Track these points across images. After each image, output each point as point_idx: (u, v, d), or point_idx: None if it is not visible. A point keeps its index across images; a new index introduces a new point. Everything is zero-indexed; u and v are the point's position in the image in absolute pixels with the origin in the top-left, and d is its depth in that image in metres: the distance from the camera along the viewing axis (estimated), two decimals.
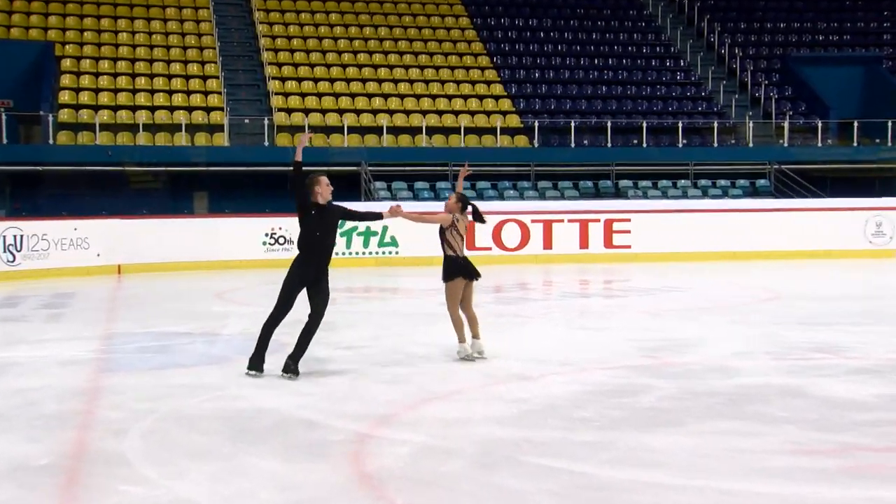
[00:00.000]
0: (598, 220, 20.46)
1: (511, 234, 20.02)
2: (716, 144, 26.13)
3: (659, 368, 7.85)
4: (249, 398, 6.82)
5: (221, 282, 16.46)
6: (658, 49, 31.15)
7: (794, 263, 19.40)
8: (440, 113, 26.37)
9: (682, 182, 24.85)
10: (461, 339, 8.16)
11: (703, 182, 24.96)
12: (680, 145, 25.87)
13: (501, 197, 23.76)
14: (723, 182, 24.99)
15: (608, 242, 20.44)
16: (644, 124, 25.89)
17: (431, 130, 25.45)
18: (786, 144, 26.24)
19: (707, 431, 5.78)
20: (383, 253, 19.40)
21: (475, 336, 8.20)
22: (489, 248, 19.60)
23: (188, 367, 8.18)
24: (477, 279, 8.29)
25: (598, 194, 24.35)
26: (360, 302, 12.21)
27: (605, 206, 21.68)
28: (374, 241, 19.52)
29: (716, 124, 26.36)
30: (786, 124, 26.43)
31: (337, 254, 18.79)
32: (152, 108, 24.68)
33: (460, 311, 8.19)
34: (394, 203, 8.09)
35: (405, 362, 8.19)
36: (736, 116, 27.60)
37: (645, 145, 25.78)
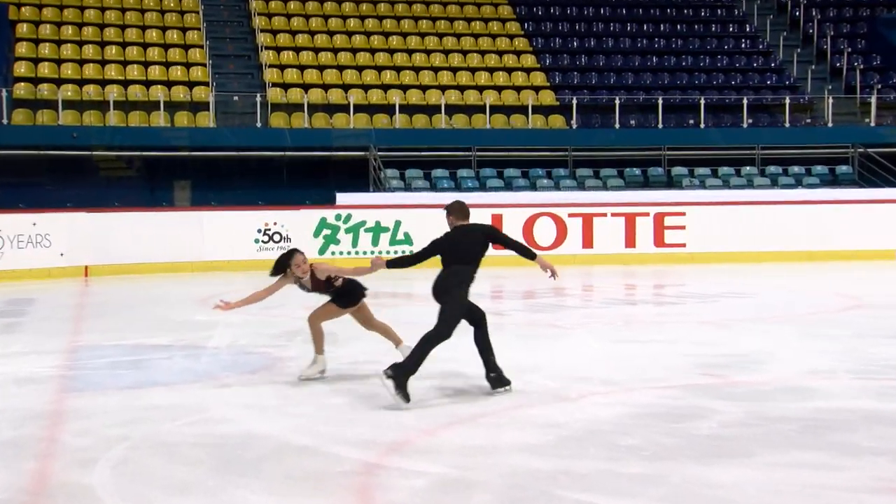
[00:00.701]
0: (647, 214, 20.40)
1: (544, 231, 20.00)
2: (788, 124, 25.99)
3: (721, 388, 7.82)
4: (238, 422, 6.85)
5: (206, 286, 16.52)
6: (719, 12, 31.02)
7: (880, 265, 19.25)
8: (462, 89, 26.38)
9: (747, 169, 24.73)
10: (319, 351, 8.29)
11: (772, 169, 24.83)
12: (745, 125, 25.74)
13: (533, 187, 23.73)
14: (796, 169, 24.85)
15: (659, 240, 20.38)
16: (702, 101, 25.77)
17: (452, 109, 25.47)
18: (872, 124, 26.06)
19: (779, 464, 5.74)
20: (395, 252, 19.42)
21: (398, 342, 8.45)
22: None
23: (167, 385, 8.21)
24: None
25: (647, 184, 24.26)
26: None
27: (656, 198, 21.61)
28: (384, 238, 19.56)
29: (788, 100, 26.22)
30: (872, 99, 26.25)
31: (342, 253, 19.00)
32: (125, 83, 24.83)
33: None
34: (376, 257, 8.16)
35: (421, 380, 8.17)
36: (812, 91, 27.44)
37: (703, 126, 25.67)
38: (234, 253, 19.27)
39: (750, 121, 25.89)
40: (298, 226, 19.46)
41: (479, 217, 17.75)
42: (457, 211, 8.01)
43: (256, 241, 19.43)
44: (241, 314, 13.26)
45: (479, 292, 14.22)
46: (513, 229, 19.63)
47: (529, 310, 13.59)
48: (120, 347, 10.21)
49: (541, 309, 13.74)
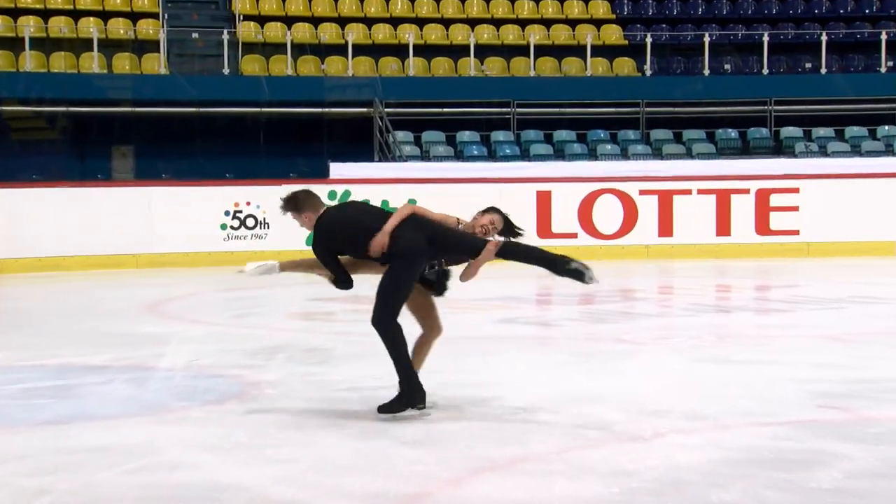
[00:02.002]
0: (746, 191, 20.33)
1: (608, 213, 19.94)
2: None
3: (848, 426, 7.79)
4: (199, 468, 6.86)
5: (156, 288, 16.58)
6: None
7: None
8: (497, 23, 26.34)
9: (884, 129, 24.59)
10: None
11: None
12: (882, 70, 25.56)
13: (593, 154, 23.67)
14: None
15: (762, 226, 20.30)
16: (823, 38, 25.61)
17: (483, 51, 25.43)
18: None
19: None
20: None
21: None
22: (574, 235, 19.52)
23: (103, 419, 8.24)
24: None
25: (746, 150, 24.17)
26: None
27: (759, 169, 21.53)
28: None
29: None
30: None
31: None
32: (44, 14, 24.88)
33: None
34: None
35: (444, 412, 8.19)
36: None
37: (824, 71, 25.52)
38: (192, 243, 19.31)
39: (890, 64, 25.71)
40: (279, 206, 19.45)
41: (521, 195, 17.73)
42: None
43: (223, 227, 19.47)
44: (202, 325, 13.31)
45: (522, 296, 14.24)
46: (565, 211, 19.60)
47: (588, 319, 13.58)
48: (39, 369, 10.23)
49: (603, 318, 13.72)
